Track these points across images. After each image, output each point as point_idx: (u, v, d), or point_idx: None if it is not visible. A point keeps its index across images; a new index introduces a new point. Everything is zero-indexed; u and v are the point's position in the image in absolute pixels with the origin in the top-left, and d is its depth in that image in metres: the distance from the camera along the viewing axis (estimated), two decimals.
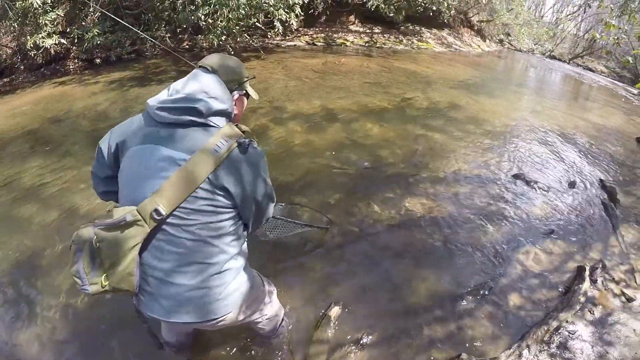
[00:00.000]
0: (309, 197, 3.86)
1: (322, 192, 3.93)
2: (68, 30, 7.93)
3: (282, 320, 2.31)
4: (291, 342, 2.46)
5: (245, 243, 1.75)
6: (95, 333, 2.55)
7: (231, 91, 1.64)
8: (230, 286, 1.61)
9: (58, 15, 7.41)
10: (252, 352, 2.39)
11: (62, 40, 7.73)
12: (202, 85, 1.53)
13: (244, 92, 1.73)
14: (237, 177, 1.50)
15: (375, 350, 2.51)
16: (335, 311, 2.69)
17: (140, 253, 1.46)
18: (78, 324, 2.60)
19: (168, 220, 1.45)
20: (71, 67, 8.37)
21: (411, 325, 2.70)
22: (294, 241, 3.20)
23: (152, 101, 1.52)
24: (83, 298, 2.75)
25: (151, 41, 7.06)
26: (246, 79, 1.72)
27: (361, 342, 2.53)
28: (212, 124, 1.51)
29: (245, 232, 1.71)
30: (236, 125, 1.65)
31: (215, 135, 1.48)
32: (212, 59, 1.64)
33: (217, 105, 1.52)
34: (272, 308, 2.09)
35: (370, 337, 2.58)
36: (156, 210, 1.39)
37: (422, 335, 2.64)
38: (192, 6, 7.90)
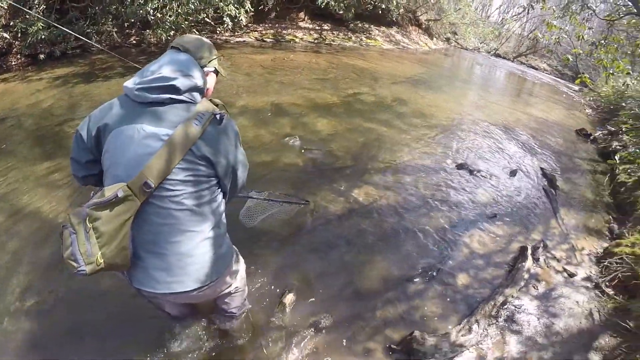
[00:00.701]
0: (259, 190, 3.90)
1: (272, 186, 3.99)
2: (11, 23, 7.51)
3: (245, 297, 2.42)
4: (253, 325, 2.56)
5: (224, 214, 1.89)
6: (48, 339, 2.49)
7: (202, 68, 1.75)
8: (217, 251, 1.77)
9: (1, 7, 7.01)
10: (217, 339, 2.47)
11: (5, 35, 7.35)
12: (176, 64, 1.65)
13: (214, 69, 1.85)
14: (216, 147, 1.64)
15: (331, 334, 2.62)
16: (289, 298, 2.78)
17: (132, 229, 1.57)
18: (32, 328, 2.53)
19: (155, 193, 1.57)
20: (13, 63, 7.81)
21: (365, 309, 2.84)
22: (246, 233, 3.25)
23: (130, 83, 1.62)
24: (37, 302, 2.69)
25: (84, 41, 6.78)
26: (215, 57, 1.85)
27: (317, 326, 2.64)
28: (188, 99, 1.64)
29: (223, 202, 1.86)
30: (210, 99, 1.80)
31: (193, 110, 1.62)
32: (183, 40, 1.76)
33: (191, 82, 1.64)
34: (242, 280, 2.21)
35: (325, 321, 2.69)
36: (145, 184, 1.51)
37: (376, 317, 2.79)
38: (140, 0, 7.80)
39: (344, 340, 2.59)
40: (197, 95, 1.69)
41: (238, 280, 2.11)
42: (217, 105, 1.79)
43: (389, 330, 2.70)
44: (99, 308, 2.65)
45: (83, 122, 1.69)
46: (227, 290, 2.04)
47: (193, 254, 1.69)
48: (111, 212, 1.50)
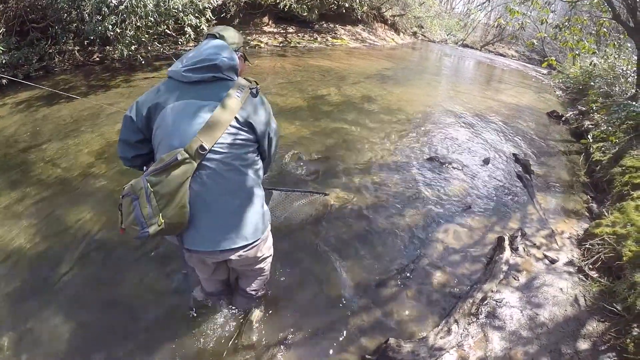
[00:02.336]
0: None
1: None
2: None
3: (266, 282, 2.69)
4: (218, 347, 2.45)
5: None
6: None
7: (235, 52, 2.04)
8: (260, 210, 2.04)
9: None
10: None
11: None
12: (215, 48, 1.92)
13: (243, 54, 2.16)
14: (256, 114, 1.93)
15: (303, 348, 2.49)
16: (256, 314, 2.64)
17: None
18: None
19: (208, 156, 1.82)
20: None
21: (337, 318, 2.70)
22: None
23: (175, 67, 1.89)
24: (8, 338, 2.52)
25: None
26: (244, 44, 2.17)
27: (287, 342, 2.51)
28: (228, 77, 1.93)
29: (262, 168, 2.12)
30: (244, 78, 2.06)
31: (233, 86, 1.90)
32: (218, 29, 2.07)
33: (229, 62, 1.92)
34: (269, 263, 2.46)
35: (296, 336, 2.56)
36: (201, 146, 1.76)
37: (349, 326, 2.65)
38: (98, 16, 7.50)
39: (317, 354, 2.47)
40: (234, 74, 1.97)
41: (269, 258, 2.39)
42: (250, 82, 2.02)
43: (364, 339, 2.57)
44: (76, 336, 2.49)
45: (131, 106, 1.94)
46: (262, 265, 2.32)
47: (240, 211, 1.94)
48: (170, 175, 1.73)
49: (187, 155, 1.75)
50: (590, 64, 9.40)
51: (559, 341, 2.66)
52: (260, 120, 1.95)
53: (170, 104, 1.85)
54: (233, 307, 2.68)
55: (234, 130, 1.86)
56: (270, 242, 2.28)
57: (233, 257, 2.04)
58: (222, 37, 2.01)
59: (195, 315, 2.36)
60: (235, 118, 1.85)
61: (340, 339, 2.57)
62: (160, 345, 2.46)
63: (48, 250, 3.24)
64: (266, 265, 2.38)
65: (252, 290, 2.57)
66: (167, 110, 1.85)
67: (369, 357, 2.44)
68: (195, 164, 1.78)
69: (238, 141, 1.88)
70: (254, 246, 2.05)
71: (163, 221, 1.72)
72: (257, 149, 2.02)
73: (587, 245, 3.56)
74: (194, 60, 1.86)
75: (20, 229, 3.50)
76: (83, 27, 7.84)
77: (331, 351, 2.49)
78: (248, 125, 1.90)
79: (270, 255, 2.39)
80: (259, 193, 2.05)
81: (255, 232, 2.01)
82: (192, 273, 2.49)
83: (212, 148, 1.81)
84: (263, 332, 2.57)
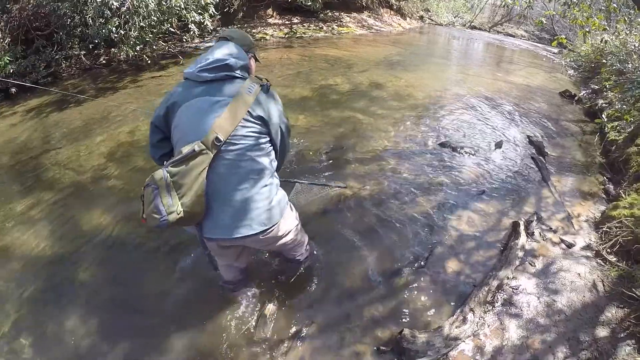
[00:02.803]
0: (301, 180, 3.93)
1: None
2: None
3: (307, 245, 2.83)
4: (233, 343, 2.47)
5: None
6: None
7: (246, 52, 2.20)
8: (275, 198, 2.13)
9: None
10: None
11: None
12: (227, 49, 2.09)
13: (253, 55, 2.33)
14: (267, 109, 2.06)
15: (317, 340, 2.48)
16: (270, 309, 2.64)
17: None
18: None
19: (224, 147, 1.94)
20: None
21: (351, 310, 2.68)
22: None
23: (190, 69, 2.04)
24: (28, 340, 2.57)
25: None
26: (254, 46, 2.33)
27: (302, 335, 2.51)
28: (239, 75, 2.08)
29: (275, 160, 2.22)
30: (255, 76, 2.22)
31: (244, 83, 2.05)
32: (228, 32, 2.23)
33: (240, 62, 2.08)
34: (299, 231, 2.55)
35: (310, 328, 2.55)
36: (216, 138, 1.88)
37: (363, 317, 2.63)
38: (101, 19, 7.53)
39: (331, 346, 2.46)
40: (245, 73, 2.13)
41: (295, 230, 2.44)
42: (261, 79, 2.17)
43: (378, 331, 2.55)
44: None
45: (154, 112, 2.15)
46: (288, 239, 2.38)
47: (256, 199, 2.03)
48: (188, 165, 1.84)
49: (204, 147, 1.87)
50: (601, 41, 9.16)
51: (577, 328, 2.60)
52: (271, 114, 2.07)
53: (186, 102, 2.00)
54: (247, 299, 2.73)
55: (247, 124, 1.98)
56: (289, 221, 2.33)
57: (252, 242, 2.15)
58: (232, 39, 2.17)
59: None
60: (248, 112, 1.98)
61: (355, 330, 2.56)
62: (175, 341, 2.49)
63: (64, 252, 3.28)
64: (293, 235, 2.44)
65: (298, 257, 2.78)
66: (183, 108, 2.00)
67: (384, 348, 2.42)
68: (211, 155, 1.89)
69: (251, 133, 2.00)
70: (272, 230, 2.11)
71: (182, 210, 1.81)
72: (269, 142, 2.13)
73: (604, 229, 3.46)
74: (207, 61, 2.01)
75: (36, 233, 3.53)
76: (87, 31, 7.89)
77: (345, 342, 2.48)
78: (260, 119, 2.02)
79: (295, 227, 2.44)
80: (274, 182, 2.16)
81: (271, 218, 2.08)
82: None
83: (227, 140, 1.93)
84: (277, 324, 2.58)
